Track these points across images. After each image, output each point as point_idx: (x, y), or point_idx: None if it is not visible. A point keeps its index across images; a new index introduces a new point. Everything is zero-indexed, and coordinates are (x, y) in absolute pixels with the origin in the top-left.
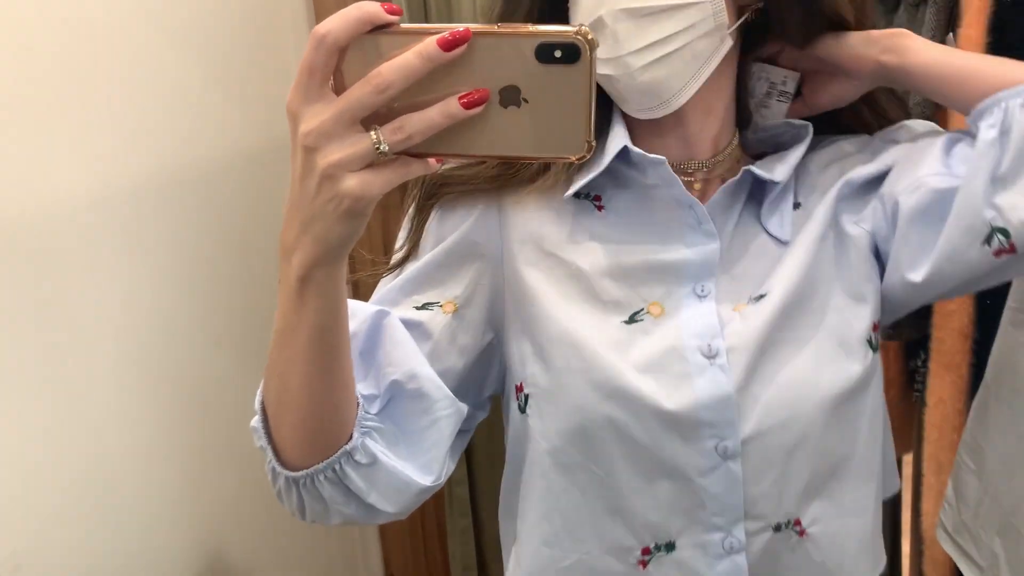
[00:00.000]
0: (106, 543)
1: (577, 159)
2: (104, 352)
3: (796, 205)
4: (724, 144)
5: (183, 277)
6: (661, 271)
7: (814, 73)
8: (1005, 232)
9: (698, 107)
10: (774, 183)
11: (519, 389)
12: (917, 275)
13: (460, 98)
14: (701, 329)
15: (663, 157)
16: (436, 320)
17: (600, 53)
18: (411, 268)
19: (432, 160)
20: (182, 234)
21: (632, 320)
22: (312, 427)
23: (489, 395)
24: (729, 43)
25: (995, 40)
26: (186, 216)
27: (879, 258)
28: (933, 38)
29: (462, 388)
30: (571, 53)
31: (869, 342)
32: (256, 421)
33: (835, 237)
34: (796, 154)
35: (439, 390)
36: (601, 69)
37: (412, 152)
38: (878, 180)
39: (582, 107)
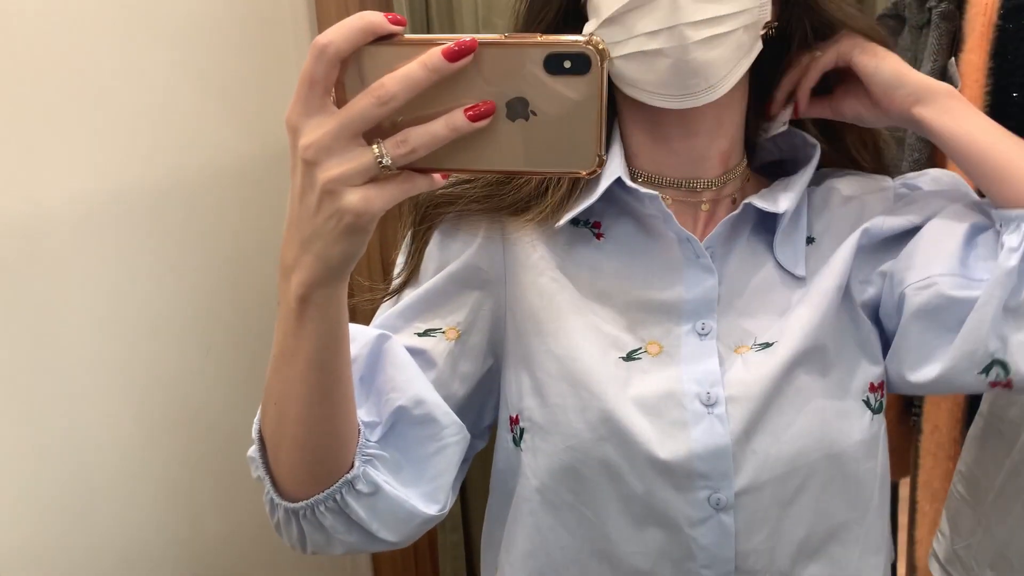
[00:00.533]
0: (90, 551)
1: (588, 174)
2: (92, 360)
3: (809, 240)
4: (734, 163)
5: (173, 285)
6: (659, 310)
7: (854, 82)
8: (1005, 367)
9: (713, 119)
10: (779, 215)
11: (514, 421)
12: (913, 376)
13: (466, 111)
14: (701, 375)
15: (656, 193)
16: (439, 347)
17: (651, 23)
18: (412, 294)
19: (437, 176)
20: (173, 242)
21: (630, 358)
22: (312, 455)
23: (488, 424)
24: (759, 47)
25: (997, 65)
26: (178, 224)
27: (880, 328)
28: (936, 62)
29: (461, 416)
30: (581, 63)
31: (870, 403)
32: (253, 451)
33: (847, 290)
34: (802, 181)
35: (447, 416)
36: (647, 44)
37: (416, 167)
38: (896, 239)
39: (593, 119)
